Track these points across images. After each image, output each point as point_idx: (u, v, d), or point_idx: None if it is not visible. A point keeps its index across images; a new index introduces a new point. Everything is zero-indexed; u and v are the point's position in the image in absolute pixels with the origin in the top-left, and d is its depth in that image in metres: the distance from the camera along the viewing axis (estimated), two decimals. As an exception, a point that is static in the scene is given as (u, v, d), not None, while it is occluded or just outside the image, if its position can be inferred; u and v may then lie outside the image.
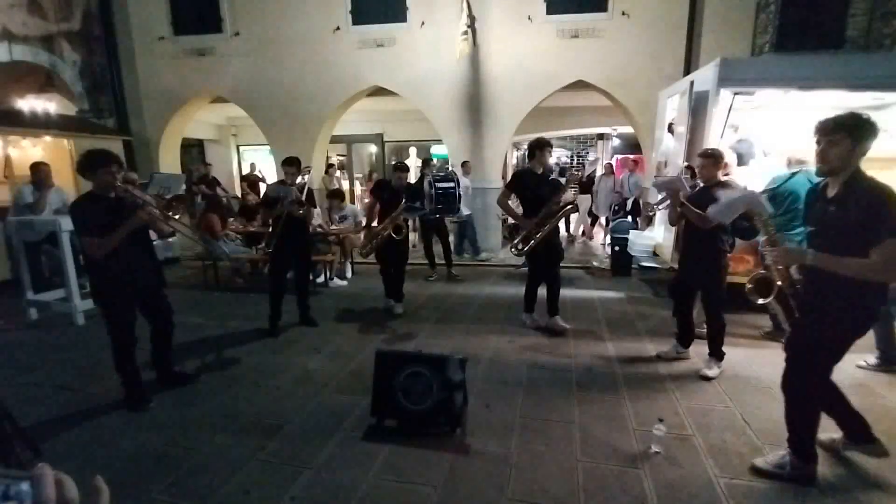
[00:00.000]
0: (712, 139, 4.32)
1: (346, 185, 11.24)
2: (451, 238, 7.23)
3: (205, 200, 8.20)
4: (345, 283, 6.44)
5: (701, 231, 3.32)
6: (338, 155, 12.27)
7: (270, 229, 4.45)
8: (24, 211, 4.99)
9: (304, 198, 4.37)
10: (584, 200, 9.28)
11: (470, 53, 7.32)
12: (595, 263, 7.29)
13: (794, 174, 3.92)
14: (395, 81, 7.84)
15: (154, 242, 3.32)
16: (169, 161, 8.94)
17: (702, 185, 3.45)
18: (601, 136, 13.39)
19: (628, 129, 9.48)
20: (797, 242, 3.89)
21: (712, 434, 2.76)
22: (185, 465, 2.54)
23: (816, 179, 3.96)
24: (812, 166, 4.09)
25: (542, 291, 4.53)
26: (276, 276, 4.50)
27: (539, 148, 4.19)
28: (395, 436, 2.76)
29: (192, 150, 11.74)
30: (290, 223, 4.33)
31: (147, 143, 8.63)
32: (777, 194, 3.97)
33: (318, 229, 6.29)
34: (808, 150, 4.30)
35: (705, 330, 3.87)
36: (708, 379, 3.43)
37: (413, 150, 11.47)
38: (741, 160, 4.95)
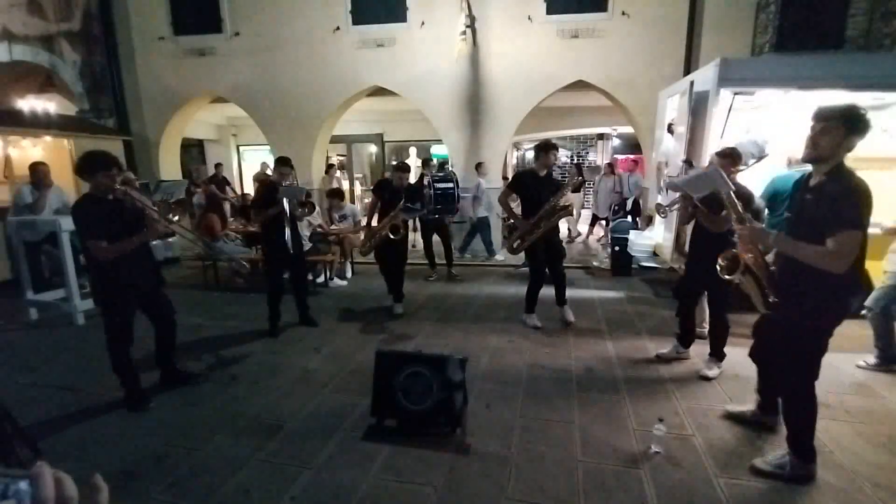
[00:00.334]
0: (712, 139, 4.32)
1: (346, 185, 11.24)
2: (458, 237, 7.25)
3: (206, 200, 8.21)
4: (345, 283, 6.44)
5: (710, 232, 3.29)
6: (338, 155, 12.27)
7: (261, 230, 4.45)
8: (24, 211, 4.99)
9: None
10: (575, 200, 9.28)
11: (469, 53, 7.32)
12: (595, 263, 7.29)
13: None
14: (395, 81, 7.84)
15: (153, 243, 3.32)
16: (169, 161, 8.94)
17: None
18: (601, 136, 13.39)
19: (628, 129, 9.49)
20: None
21: (712, 434, 2.76)
22: (185, 465, 2.54)
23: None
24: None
25: (543, 292, 4.55)
26: (273, 276, 4.49)
27: (544, 150, 4.27)
28: (395, 436, 2.76)
29: (192, 150, 11.74)
30: (286, 223, 4.34)
31: (147, 143, 8.63)
32: (777, 194, 3.97)
33: (318, 229, 6.29)
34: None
35: (705, 329, 3.87)
36: (708, 379, 3.43)
37: (413, 150, 11.47)
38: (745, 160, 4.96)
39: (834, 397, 3.16)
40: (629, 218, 8.18)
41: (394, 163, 5.35)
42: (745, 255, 2.31)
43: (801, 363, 2.27)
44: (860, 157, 4.52)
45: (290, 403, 3.19)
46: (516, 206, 4.89)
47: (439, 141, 8.54)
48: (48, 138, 7.29)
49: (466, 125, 7.84)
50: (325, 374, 3.65)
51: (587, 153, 13.89)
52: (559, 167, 12.82)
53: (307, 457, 2.59)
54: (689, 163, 4.19)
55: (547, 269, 4.52)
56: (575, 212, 7.80)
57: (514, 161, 13.56)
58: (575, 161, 13.41)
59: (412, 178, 5.26)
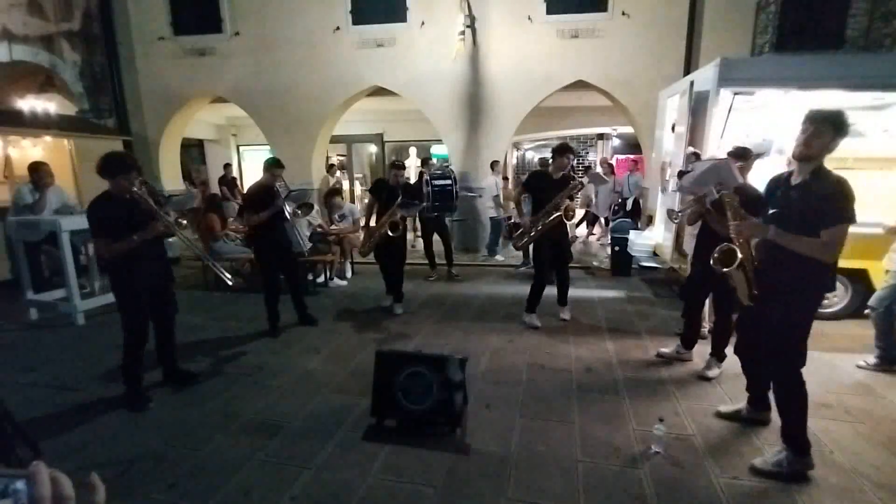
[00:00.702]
0: (712, 139, 4.31)
1: (346, 185, 11.26)
2: (458, 237, 7.24)
3: (204, 203, 8.23)
4: (345, 283, 6.44)
5: (717, 235, 3.25)
6: (338, 155, 12.26)
7: (253, 231, 4.46)
8: (24, 211, 4.99)
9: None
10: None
11: (468, 53, 7.32)
12: (595, 263, 7.29)
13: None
14: (395, 81, 7.84)
15: (168, 241, 3.37)
16: (169, 161, 8.94)
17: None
18: (601, 136, 13.39)
19: (628, 129, 9.48)
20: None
21: (712, 434, 2.77)
22: (185, 465, 2.54)
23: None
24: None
25: (546, 292, 4.57)
26: (269, 277, 4.47)
27: (558, 153, 4.34)
28: (395, 436, 2.77)
29: (192, 150, 11.74)
30: (279, 225, 4.34)
31: (147, 143, 8.62)
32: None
33: (318, 229, 6.29)
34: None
35: (706, 329, 3.87)
36: (708, 379, 3.43)
37: (413, 150, 11.46)
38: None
39: (834, 397, 3.16)
40: (629, 218, 8.17)
41: (391, 161, 5.37)
42: (739, 251, 2.36)
43: (788, 351, 2.35)
44: (861, 157, 4.56)
45: (290, 403, 3.19)
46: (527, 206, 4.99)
47: (439, 141, 8.53)
48: (48, 138, 7.28)
49: (466, 125, 7.84)
50: (325, 374, 3.65)
51: (587, 153, 13.89)
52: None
53: (307, 457, 2.59)
54: (696, 155, 4.17)
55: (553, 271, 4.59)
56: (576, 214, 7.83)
57: (514, 161, 13.55)
58: (586, 164, 13.43)
59: (412, 179, 5.28)
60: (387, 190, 4.85)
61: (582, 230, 9.78)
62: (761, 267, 2.41)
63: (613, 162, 10.79)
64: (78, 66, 8.39)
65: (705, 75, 4.40)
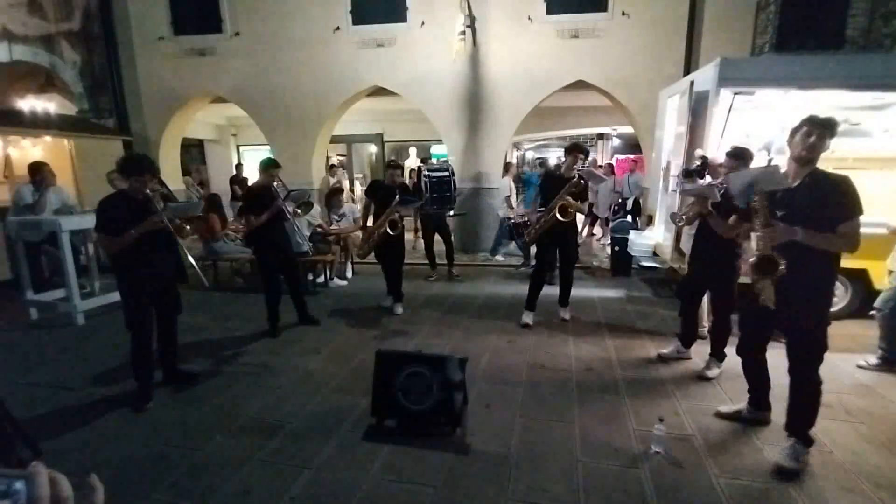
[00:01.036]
0: (712, 139, 4.32)
1: (346, 185, 11.25)
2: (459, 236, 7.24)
3: (205, 200, 8.25)
4: (345, 283, 6.44)
5: (715, 235, 3.27)
6: (338, 155, 12.27)
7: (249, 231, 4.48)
8: (24, 211, 4.99)
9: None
10: None
11: (468, 53, 7.31)
12: (595, 263, 7.29)
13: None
14: (395, 81, 7.84)
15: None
16: (169, 161, 8.94)
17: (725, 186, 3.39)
18: (601, 136, 13.39)
19: (628, 129, 9.48)
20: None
21: (712, 434, 2.76)
22: (185, 465, 2.54)
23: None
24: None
25: (545, 291, 4.57)
26: (270, 277, 4.47)
27: (567, 152, 4.38)
28: (395, 436, 2.77)
29: (192, 150, 11.74)
30: (279, 225, 4.34)
31: (147, 143, 8.62)
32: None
33: (318, 229, 6.29)
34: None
35: (706, 329, 3.87)
36: (708, 379, 3.43)
37: (413, 150, 11.47)
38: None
39: (834, 397, 3.15)
40: (629, 218, 8.17)
41: (387, 161, 5.38)
42: (778, 259, 2.32)
43: (816, 350, 2.42)
44: (861, 157, 4.56)
45: (290, 403, 3.19)
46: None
47: (439, 141, 8.53)
48: (48, 138, 7.29)
49: (466, 125, 7.84)
50: (325, 374, 3.65)
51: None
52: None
53: (307, 457, 2.59)
54: (704, 159, 4.16)
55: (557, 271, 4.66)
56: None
57: (514, 161, 13.55)
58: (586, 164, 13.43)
59: (413, 178, 5.29)
60: (383, 190, 4.85)
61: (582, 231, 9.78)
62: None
63: (613, 162, 10.78)
64: (78, 66, 8.39)
65: (705, 75, 4.40)
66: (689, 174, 3.92)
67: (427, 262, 6.61)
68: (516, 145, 13.03)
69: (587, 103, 9.53)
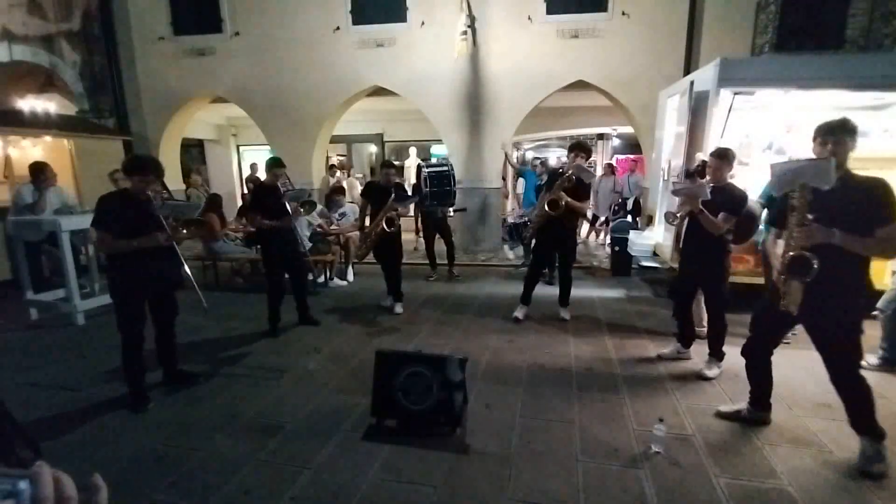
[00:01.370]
0: (712, 139, 4.32)
1: (356, 185, 11.25)
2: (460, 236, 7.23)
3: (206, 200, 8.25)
4: (345, 283, 6.44)
5: (704, 233, 3.31)
6: (338, 155, 12.26)
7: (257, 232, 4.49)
8: (24, 211, 4.99)
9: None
10: None
11: (469, 53, 7.32)
12: (595, 263, 7.29)
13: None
14: (395, 81, 7.84)
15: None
16: (169, 161, 8.92)
17: (712, 186, 3.43)
18: (601, 136, 13.37)
19: (628, 129, 9.48)
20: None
21: (712, 434, 2.76)
22: (185, 465, 2.54)
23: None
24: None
25: (545, 291, 4.59)
26: (274, 277, 4.48)
27: (570, 150, 4.37)
28: (395, 436, 2.77)
29: (192, 150, 11.73)
30: (285, 228, 4.34)
31: (147, 143, 8.63)
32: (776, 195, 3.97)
33: (318, 229, 6.29)
34: (807, 150, 4.29)
35: (705, 329, 3.87)
36: (708, 379, 3.43)
37: (413, 150, 11.45)
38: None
39: (834, 397, 3.13)
40: (629, 218, 8.17)
41: (382, 160, 5.37)
42: (812, 259, 2.25)
43: (853, 351, 2.41)
44: (860, 157, 4.54)
45: (290, 403, 3.19)
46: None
47: (439, 141, 8.54)
48: (48, 138, 7.29)
49: (466, 125, 7.84)
50: (325, 374, 3.65)
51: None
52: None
53: (307, 457, 2.59)
54: (704, 163, 4.18)
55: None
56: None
57: (514, 161, 13.53)
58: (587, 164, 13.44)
59: (413, 179, 5.29)
60: (378, 190, 4.85)
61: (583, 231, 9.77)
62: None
63: (613, 162, 10.77)
64: (78, 66, 8.39)
65: (705, 75, 4.40)
66: (689, 175, 3.93)
67: (427, 262, 6.61)
68: (516, 145, 13.01)
69: (587, 103, 9.52)
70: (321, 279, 6.35)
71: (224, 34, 8.08)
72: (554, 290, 4.87)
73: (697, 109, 4.42)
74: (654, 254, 5.80)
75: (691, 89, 4.46)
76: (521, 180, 7.96)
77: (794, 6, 6.27)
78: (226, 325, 4.80)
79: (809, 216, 2.28)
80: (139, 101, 8.51)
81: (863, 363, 3.58)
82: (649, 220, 6.64)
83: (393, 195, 4.69)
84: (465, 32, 7.09)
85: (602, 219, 9.22)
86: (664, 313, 4.91)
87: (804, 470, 2.44)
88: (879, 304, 3.65)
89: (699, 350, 3.74)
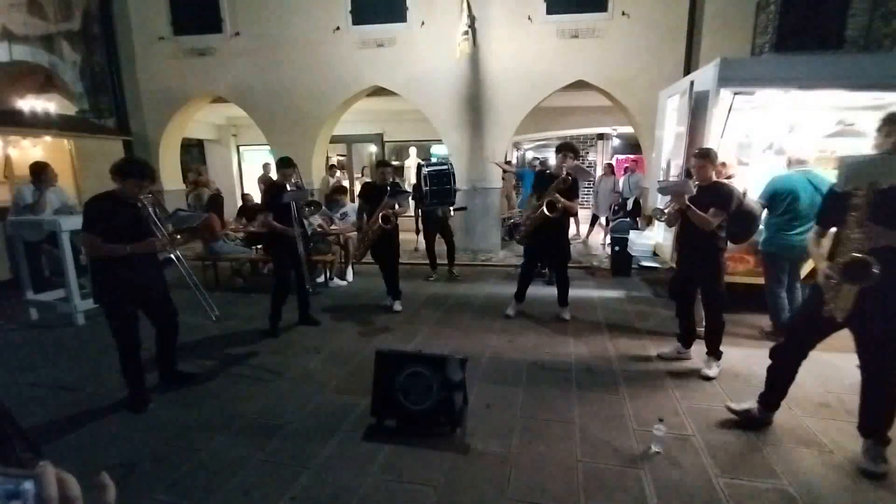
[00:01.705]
0: (712, 139, 4.32)
1: (346, 185, 11.26)
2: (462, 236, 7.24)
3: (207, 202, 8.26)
4: (345, 283, 6.44)
5: (698, 230, 3.33)
6: (338, 155, 12.25)
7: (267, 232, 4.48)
8: (24, 211, 4.99)
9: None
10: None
11: (470, 53, 7.32)
12: (595, 263, 7.29)
13: (802, 174, 3.94)
14: (395, 81, 7.84)
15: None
16: (169, 161, 8.94)
17: (698, 185, 3.45)
18: (601, 136, 13.38)
19: (628, 129, 9.48)
20: (798, 242, 3.90)
21: (712, 434, 2.76)
22: (185, 465, 2.54)
23: (816, 179, 3.98)
24: (812, 166, 4.11)
25: (545, 291, 4.59)
26: (282, 276, 4.49)
27: (558, 151, 4.42)
28: (395, 436, 2.77)
29: (193, 150, 11.73)
30: (294, 224, 4.36)
31: (147, 143, 8.63)
32: (776, 194, 3.98)
33: (318, 229, 6.29)
34: (807, 150, 4.29)
35: (704, 328, 3.87)
36: (708, 379, 3.43)
37: (413, 150, 11.46)
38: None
39: (834, 397, 3.16)
40: (629, 218, 8.17)
41: (394, 162, 5.38)
42: (872, 262, 2.13)
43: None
44: (860, 157, 4.55)
45: (290, 403, 3.19)
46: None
47: (439, 141, 8.53)
48: (48, 138, 7.29)
49: (466, 125, 7.84)
50: (325, 374, 3.65)
51: (587, 153, 13.88)
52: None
53: (307, 457, 2.59)
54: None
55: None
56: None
57: (514, 161, 13.54)
58: (587, 164, 13.46)
59: (413, 179, 5.29)
60: (375, 190, 4.86)
61: (582, 230, 9.77)
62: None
63: (613, 162, 10.78)
64: (78, 66, 8.39)
65: (705, 75, 4.40)
66: (689, 174, 3.94)
67: (427, 262, 6.61)
68: (516, 145, 13.02)
69: (587, 103, 9.52)
70: (321, 279, 6.35)
71: (224, 34, 8.07)
72: (554, 291, 4.87)
73: (697, 109, 4.42)
74: (654, 254, 5.80)
75: (691, 89, 4.46)
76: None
77: (794, 6, 6.27)
78: (226, 324, 4.79)
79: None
80: (139, 101, 8.51)
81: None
82: (649, 220, 6.64)
83: (389, 191, 4.72)
84: (466, 32, 7.09)
85: (602, 219, 9.22)
86: (664, 313, 4.91)
87: (804, 470, 2.44)
88: None
89: (699, 350, 3.73)
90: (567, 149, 4.35)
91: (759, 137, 5.08)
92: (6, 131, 6.83)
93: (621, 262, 6.65)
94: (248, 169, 12.86)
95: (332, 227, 6.47)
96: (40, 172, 5.01)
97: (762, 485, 2.33)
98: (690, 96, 4.44)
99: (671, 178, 4.69)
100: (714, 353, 3.51)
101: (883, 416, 2.40)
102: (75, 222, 4.81)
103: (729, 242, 3.62)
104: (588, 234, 9.67)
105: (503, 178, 8.63)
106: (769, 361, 2.76)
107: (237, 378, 3.61)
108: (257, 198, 8.38)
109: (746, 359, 3.75)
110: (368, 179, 8.34)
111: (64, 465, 0.46)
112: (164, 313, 3.32)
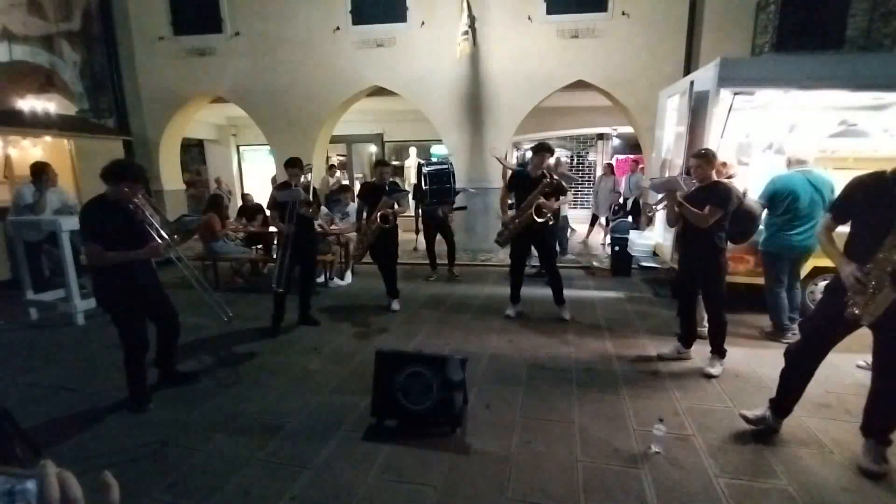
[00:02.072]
0: (712, 139, 4.32)
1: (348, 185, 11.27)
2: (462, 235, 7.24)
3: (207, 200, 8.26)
4: (345, 283, 6.44)
5: (698, 230, 3.33)
6: (338, 155, 12.26)
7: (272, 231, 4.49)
8: (25, 211, 4.99)
9: (310, 197, 4.44)
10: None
11: (470, 53, 7.32)
12: (595, 263, 7.29)
13: (803, 174, 3.94)
14: (395, 81, 7.84)
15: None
16: (169, 161, 8.94)
17: (697, 184, 3.46)
18: (601, 136, 13.37)
19: (628, 129, 9.48)
20: (798, 241, 3.90)
21: (712, 434, 2.76)
22: (185, 465, 2.54)
23: (816, 179, 3.98)
24: (812, 166, 4.11)
25: (545, 291, 4.59)
26: (289, 274, 4.48)
27: (534, 151, 4.47)
28: (395, 436, 2.77)
29: (193, 150, 11.74)
30: (298, 223, 4.35)
31: (147, 143, 8.63)
32: (776, 194, 3.98)
33: (319, 229, 6.29)
34: (808, 150, 4.28)
35: (706, 329, 3.87)
36: (711, 377, 3.43)
37: (413, 150, 11.46)
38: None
39: (834, 397, 3.16)
40: (629, 218, 8.17)
41: (394, 162, 5.39)
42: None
43: None
44: (861, 157, 4.56)
45: (290, 403, 3.19)
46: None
47: (439, 141, 8.54)
48: (48, 138, 7.28)
49: (466, 125, 7.84)
50: (325, 374, 3.65)
51: (587, 153, 13.87)
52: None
53: (307, 457, 2.59)
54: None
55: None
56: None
57: (515, 161, 13.54)
58: (587, 164, 13.45)
59: (413, 179, 5.29)
60: (373, 190, 4.87)
61: (583, 231, 9.77)
62: None
63: (613, 162, 10.77)
64: (78, 66, 8.39)
65: (705, 75, 4.40)
66: (688, 173, 3.94)
67: (427, 261, 6.61)
68: (516, 145, 13.01)
69: (587, 103, 9.52)
70: (321, 279, 6.35)
71: (224, 34, 8.08)
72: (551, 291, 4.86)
73: (697, 109, 4.42)
74: (654, 254, 5.80)
75: (691, 89, 4.46)
76: None
77: (794, 6, 6.27)
78: (226, 325, 4.78)
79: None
80: (139, 101, 8.52)
81: (861, 363, 3.62)
82: (649, 221, 6.64)
83: (387, 189, 4.73)
84: (466, 32, 7.09)
85: (602, 219, 9.21)
86: (664, 313, 4.91)
87: (804, 470, 2.43)
88: None
89: (699, 350, 3.74)
90: (544, 149, 4.41)
91: (759, 137, 5.09)
92: (6, 131, 6.82)
93: (621, 262, 6.65)
94: (248, 169, 12.87)
95: (332, 227, 6.47)
96: (40, 172, 5.01)
97: (762, 485, 2.33)
98: (690, 96, 4.45)
99: (665, 176, 4.69)
100: (718, 352, 3.52)
101: (893, 419, 2.39)
102: (75, 222, 4.80)
103: (729, 242, 3.62)
104: (588, 234, 9.67)
105: (503, 177, 8.62)
106: (782, 364, 2.67)
107: (237, 378, 3.61)
108: (257, 198, 8.38)
109: (746, 359, 3.75)
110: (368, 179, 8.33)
111: (64, 464, 0.46)
112: (165, 313, 3.33)
